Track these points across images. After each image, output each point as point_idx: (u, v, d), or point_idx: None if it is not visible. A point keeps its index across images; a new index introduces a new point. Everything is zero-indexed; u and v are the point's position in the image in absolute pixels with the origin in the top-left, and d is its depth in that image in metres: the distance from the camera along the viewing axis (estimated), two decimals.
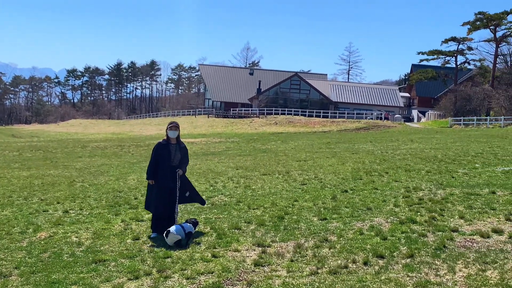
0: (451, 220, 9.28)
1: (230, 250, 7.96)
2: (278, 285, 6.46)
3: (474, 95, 60.37)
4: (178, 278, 6.80)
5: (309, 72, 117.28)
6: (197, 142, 36.06)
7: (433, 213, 9.73)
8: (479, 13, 63.87)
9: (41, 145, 37.54)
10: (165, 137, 9.35)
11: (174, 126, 9.21)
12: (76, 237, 9.14)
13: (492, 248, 7.51)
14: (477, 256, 7.17)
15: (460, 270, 6.69)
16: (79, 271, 7.23)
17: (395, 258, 7.27)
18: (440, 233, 8.40)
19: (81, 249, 8.35)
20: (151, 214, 9.40)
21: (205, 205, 10.73)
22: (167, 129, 9.25)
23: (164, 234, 8.31)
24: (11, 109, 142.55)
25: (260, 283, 6.54)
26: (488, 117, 51.83)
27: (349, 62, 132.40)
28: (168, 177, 9.04)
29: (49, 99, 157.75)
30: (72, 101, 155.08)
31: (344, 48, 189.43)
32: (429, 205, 10.50)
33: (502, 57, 66.92)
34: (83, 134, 62.86)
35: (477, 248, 7.57)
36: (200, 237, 8.78)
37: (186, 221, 8.70)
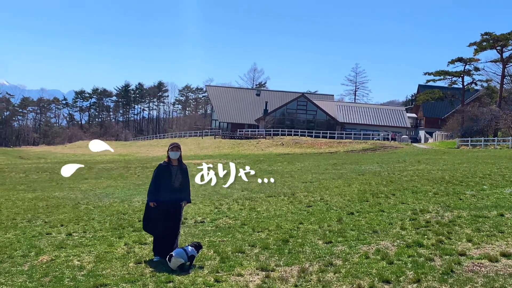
0: (459, 243, 9.12)
1: (233, 275, 7.84)
2: None
3: (481, 115, 60.12)
4: None
5: (316, 93, 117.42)
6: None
7: (441, 236, 9.57)
8: (486, 33, 64.00)
9: (47, 167, 37.58)
10: (166, 159, 9.27)
11: (176, 147, 9.15)
12: (78, 260, 9.04)
13: (501, 273, 7.34)
14: (485, 281, 7.01)
15: None
16: None
17: (401, 283, 7.12)
18: (448, 257, 8.24)
19: (82, 273, 8.25)
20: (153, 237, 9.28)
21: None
22: (168, 150, 9.18)
23: (166, 259, 8.19)
24: (19, 131, 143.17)
25: None
26: (495, 138, 51.58)
27: (356, 83, 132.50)
28: (169, 199, 8.94)
29: (57, 121, 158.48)
30: (79, 122, 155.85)
31: (351, 69, 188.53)
32: (436, 228, 10.34)
33: (509, 78, 66.90)
34: (90, 156, 62.95)
35: (485, 272, 7.41)
36: (203, 260, 8.66)
37: (189, 245, 8.58)
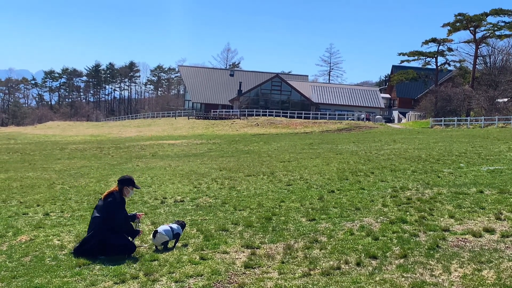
0: (441, 219, 9.17)
1: (218, 252, 7.73)
2: (270, 287, 6.25)
3: (454, 95, 60.94)
4: (167, 282, 6.55)
5: (290, 73, 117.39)
6: (178, 144, 35.67)
7: (423, 213, 9.62)
8: (459, 14, 64.60)
9: (18, 148, 36.87)
10: (113, 190, 8.30)
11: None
12: (58, 240, 8.83)
13: (486, 248, 7.39)
14: (471, 255, 7.04)
15: (455, 270, 6.55)
16: (63, 275, 6.94)
17: (388, 259, 7.12)
18: (432, 232, 8.28)
19: (63, 252, 8.05)
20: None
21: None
22: (128, 185, 8.29)
23: (151, 235, 8.04)
24: None
25: (252, 285, 6.32)
26: (468, 118, 52.32)
27: (330, 63, 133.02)
28: None
29: (26, 101, 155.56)
30: (49, 103, 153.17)
31: (325, 49, 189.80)
32: (417, 205, 10.39)
33: (482, 58, 67.75)
34: (61, 136, 61.95)
35: (470, 247, 7.45)
36: (187, 239, 8.54)
37: (174, 222, 8.44)
